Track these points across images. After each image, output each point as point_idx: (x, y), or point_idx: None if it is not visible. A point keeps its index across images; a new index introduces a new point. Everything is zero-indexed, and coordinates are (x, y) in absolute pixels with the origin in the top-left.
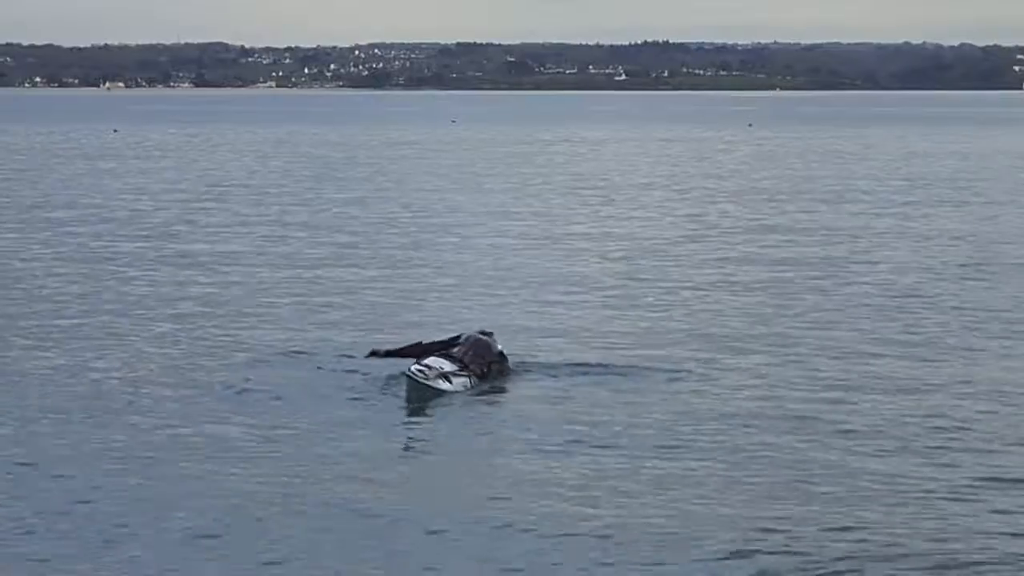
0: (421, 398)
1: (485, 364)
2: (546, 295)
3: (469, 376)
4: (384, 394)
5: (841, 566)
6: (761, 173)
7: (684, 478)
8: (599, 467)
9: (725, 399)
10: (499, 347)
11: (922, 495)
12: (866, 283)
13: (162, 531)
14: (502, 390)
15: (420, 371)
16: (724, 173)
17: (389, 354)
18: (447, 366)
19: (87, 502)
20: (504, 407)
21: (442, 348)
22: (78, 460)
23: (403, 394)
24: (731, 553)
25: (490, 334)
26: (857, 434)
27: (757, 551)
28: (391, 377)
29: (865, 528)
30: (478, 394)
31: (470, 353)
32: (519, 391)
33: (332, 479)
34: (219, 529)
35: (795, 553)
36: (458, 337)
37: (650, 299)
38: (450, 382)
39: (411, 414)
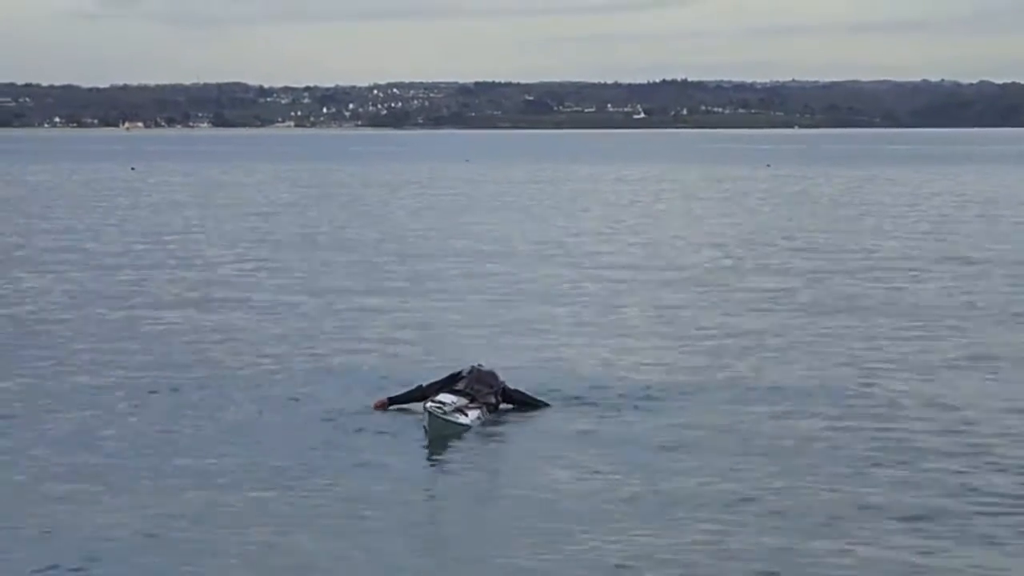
0: (441, 434)
1: (493, 394)
2: (576, 327)
3: (481, 407)
4: (401, 433)
5: None
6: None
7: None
8: (619, 494)
9: (769, 429)
10: (502, 380)
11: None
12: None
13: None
14: (522, 422)
15: (437, 407)
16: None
17: (393, 401)
18: (459, 401)
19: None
20: (532, 440)
21: (445, 386)
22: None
23: (422, 431)
24: None
25: (490, 371)
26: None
27: None
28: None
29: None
30: (499, 426)
31: (475, 385)
32: (543, 423)
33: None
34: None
35: None
36: (458, 374)
37: (674, 329)
38: (466, 415)
39: (435, 451)
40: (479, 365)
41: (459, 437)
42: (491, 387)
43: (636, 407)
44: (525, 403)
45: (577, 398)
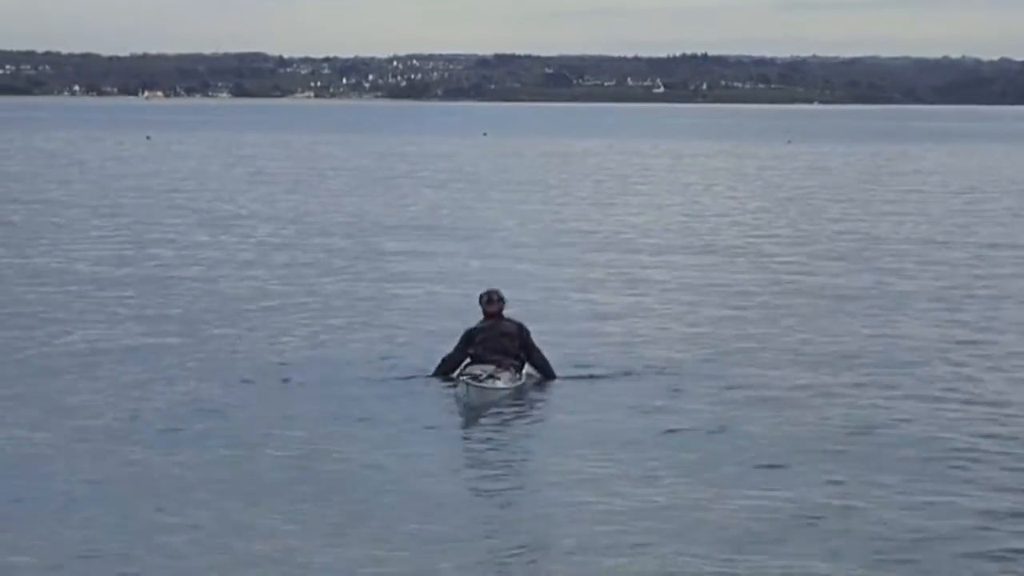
0: (481, 402)
1: (515, 350)
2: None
3: (508, 369)
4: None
5: None
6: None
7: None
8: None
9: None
10: (515, 327)
11: None
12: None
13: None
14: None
15: (473, 376)
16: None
17: (436, 373)
18: (488, 368)
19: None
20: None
21: (466, 347)
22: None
23: (462, 401)
24: None
25: (511, 323)
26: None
27: None
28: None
29: None
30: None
31: (489, 346)
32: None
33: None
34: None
35: None
36: (471, 332)
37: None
38: (499, 379)
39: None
40: (488, 293)
41: (496, 405)
42: (512, 339)
43: (681, 379)
44: (539, 366)
45: (629, 372)
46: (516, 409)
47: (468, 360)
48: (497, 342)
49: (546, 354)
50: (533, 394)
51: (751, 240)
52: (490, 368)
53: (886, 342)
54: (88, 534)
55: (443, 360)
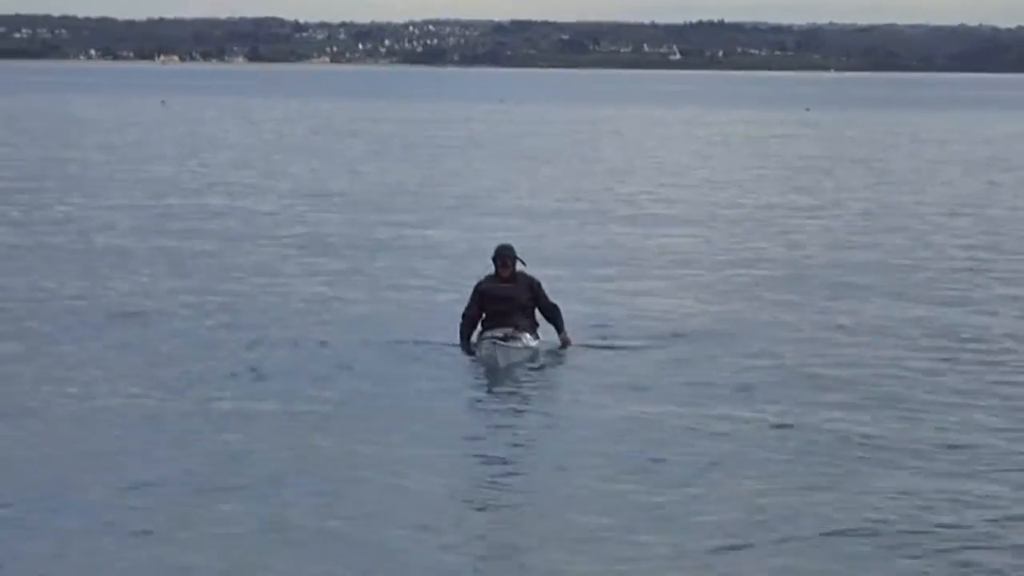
0: (512, 362)
1: (530, 309)
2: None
3: (528, 331)
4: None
5: None
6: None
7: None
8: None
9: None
10: (528, 281)
11: None
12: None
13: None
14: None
15: (500, 339)
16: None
17: (463, 335)
18: (507, 331)
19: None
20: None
21: (478, 306)
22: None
23: (488, 363)
24: None
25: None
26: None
27: None
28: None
29: None
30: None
31: (502, 308)
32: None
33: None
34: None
35: None
36: (482, 294)
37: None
38: (522, 340)
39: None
40: (501, 257)
41: (518, 369)
42: (526, 298)
43: (699, 346)
44: (547, 314)
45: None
46: (534, 381)
47: (484, 319)
48: (512, 302)
49: (559, 304)
50: (551, 363)
51: (778, 210)
52: (509, 330)
53: (906, 320)
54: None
55: (463, 317)
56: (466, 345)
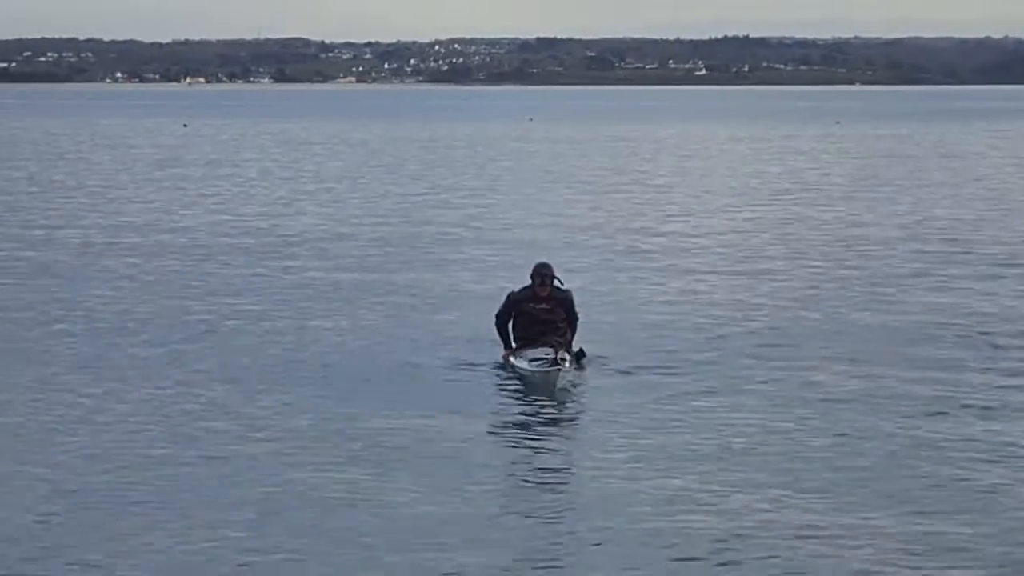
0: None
1: (563, 324)
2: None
3: (556, 348)
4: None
5: None
6: None
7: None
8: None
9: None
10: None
11: None
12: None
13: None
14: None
15: (547, 361)
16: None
17: (503, 335)
18: (548, 351)
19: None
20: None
21: (508, 313)
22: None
23: (544, 391)
24: None
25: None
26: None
27: None
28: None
29: None
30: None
31: (538, 329)
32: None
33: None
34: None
35: None
36: (516, 303)
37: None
38: (566, 363)
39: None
40: (540, 275)
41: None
42: (560, 314)
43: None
44: (570, 326)
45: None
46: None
47: (517, 334)
48: (550, 325)
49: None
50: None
51: (830, 224)
52: (549, 351)
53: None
54: None
55: (497, 317)
56: (505, 335)
